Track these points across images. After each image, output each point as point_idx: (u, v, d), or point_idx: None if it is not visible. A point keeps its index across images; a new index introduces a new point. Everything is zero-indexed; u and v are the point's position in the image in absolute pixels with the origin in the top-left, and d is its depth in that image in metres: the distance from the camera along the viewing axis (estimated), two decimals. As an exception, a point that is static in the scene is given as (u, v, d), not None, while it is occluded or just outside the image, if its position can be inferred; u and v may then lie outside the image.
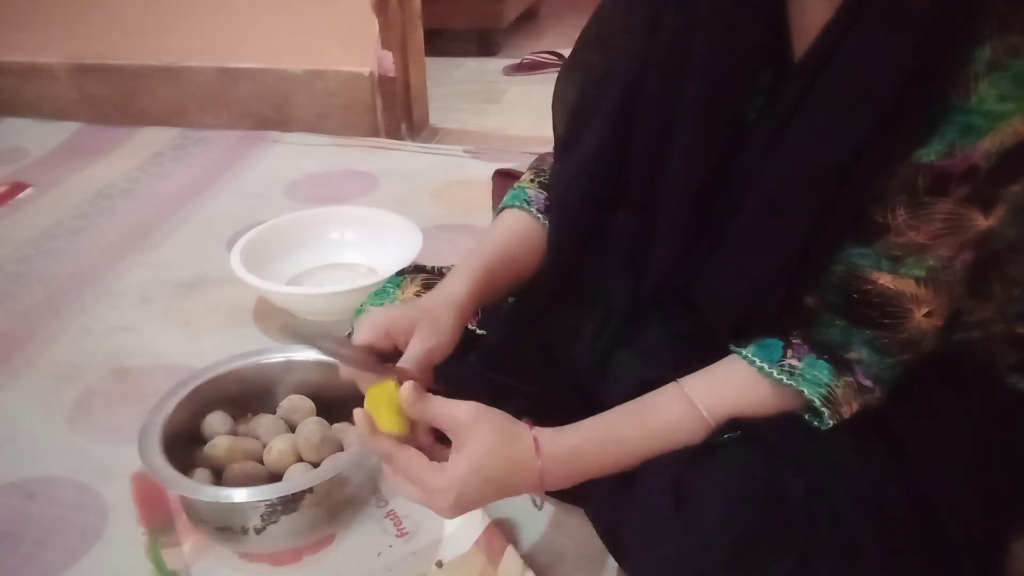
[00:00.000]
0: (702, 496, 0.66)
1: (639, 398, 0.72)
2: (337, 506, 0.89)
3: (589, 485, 0.72)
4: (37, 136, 2.07)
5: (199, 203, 1.72)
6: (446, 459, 0.67)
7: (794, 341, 0.68)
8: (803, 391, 0.66)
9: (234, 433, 0.96)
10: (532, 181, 0.90)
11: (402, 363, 0.72)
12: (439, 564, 0.87)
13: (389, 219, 1.40)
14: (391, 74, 1.94)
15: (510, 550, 0.87)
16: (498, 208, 0.90)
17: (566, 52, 2.97)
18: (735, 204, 0.69)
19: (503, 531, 0.89)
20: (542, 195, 0.87)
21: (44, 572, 0.90)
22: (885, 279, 0.64)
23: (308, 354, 1.01)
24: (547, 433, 0.69)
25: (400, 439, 0.69)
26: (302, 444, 0.92)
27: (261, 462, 0.93)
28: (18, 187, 1.81)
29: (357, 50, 1.93)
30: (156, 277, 1.45)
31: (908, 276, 0.63)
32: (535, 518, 0.92)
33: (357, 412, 0.70)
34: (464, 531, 0.90)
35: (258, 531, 0.85)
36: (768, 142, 0.67)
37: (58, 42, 2.11)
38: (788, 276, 0.67)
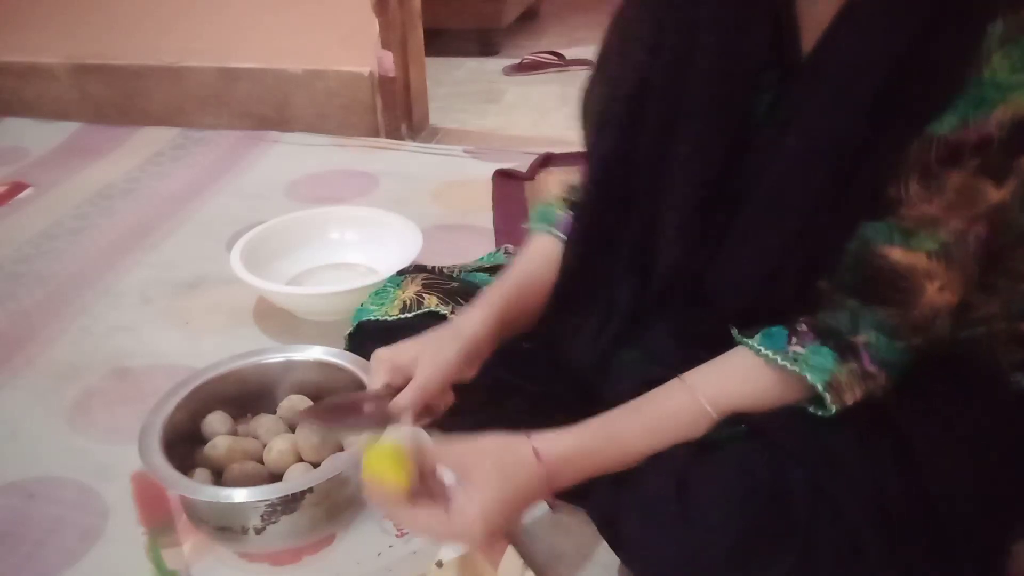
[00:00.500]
0: (704, 492, 0.66)
1: (643, 395, 0.72)
2: (337, 506, 0.89)
3: (590, 480, 0.72)
4: (37, 136, 2.08)
5: (199, 203, 1.72)
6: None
7: (799, 329, 0.68)
8: (806, 376, 0.66)
9: (234, 433, 0.96)
10: (562, 199, 0.91)
11: (397, 402, 0.75)
12: (439, 564, 0.87)
13: (389, 219, 1.40)
14: (391, 74, 1.94)
15: (510, 550, 0.87)
16: (530, 224, 0.91)
17: (566, 52, 3.00)
18: (743, 199, 0.69)
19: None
20: (569, 215, 0.88)
21: (44, 572, 0.90)
22: (897, 253, 0.64)
23: (308, 354, 1.01)
24: (547, 439, 0.70)
25: (410, 492, 0.69)
26: (302, 444, 0.92)
27: (261, 462, 0.93)
28: (18, 187, 1.81)
29: (357, 50, 1.93)
30: (156, 277, 1.45)
31: (920, 250, 0.63)
32: (535, 518, 0.92)
33: (364, 478, 0.71)
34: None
35: (258, 531, 0.85)
36: (775, 137, 0.67)
37: (58, 42, 2.11)
38: (799, 262, 0.68)
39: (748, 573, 0.65)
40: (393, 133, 2.01)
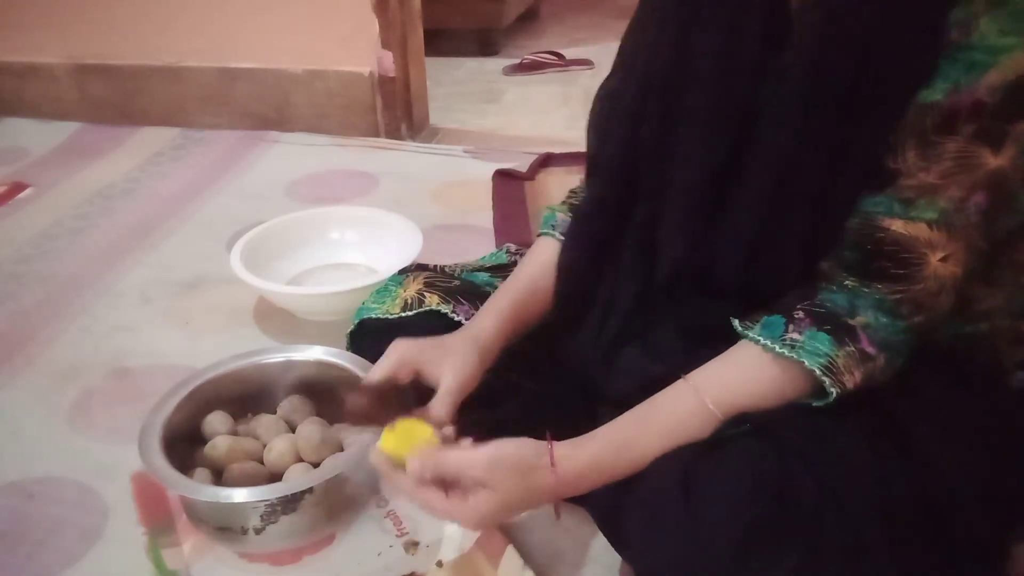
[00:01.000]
0: (709, 489, 0.66)
1: (648, 400, 0.72)
2: (337, 506, 0.89)
3: None
4: (37, 136, 2.08)
5: (199, 203, 1.72)
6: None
7: (796, 316, 0.69)
8: (804, 362, 0.67)
9: (234, 433, 0.96)
10: (564, 203, 0.93)
11: (436, 404, 0.77)
12: (439, 564, 0.87)
13: (389, 219, 1.40)
14: (391, 74, 1.94)
15: (510, 550, 0.87)
16: (538, 230, 0.93)
17: (566, 52, 3.00)
18: (745, 184, 0.70)
19: (503, 531, 0.89)
20: (569, 217, 0.89)
21: (44, 572, 0.90)
22: (898, 224, 0.64)
23: (308, 354, 1.01)
24: (565, 449, 0.70)
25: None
26: (302, 444, 0.92)
27: (261, 462, 0.93)
28: (18, 187, 1.81)
29: (357, 50, 1.93)
30: (156, 277, 1.45)
31: (920, 220, 0.64)
32: (535, 518, 0.92)
33: (374, 452, 0.75)
34: (464, 531, 0.90)
35: (258, 531, 0.85)
36: (775, 121, 0.68)
37: (58, 42, 2.11)
38: (800, 241, 0.69)
39: (752, 570, 0.65)
40: (393, 133, 2.01)
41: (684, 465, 0.68)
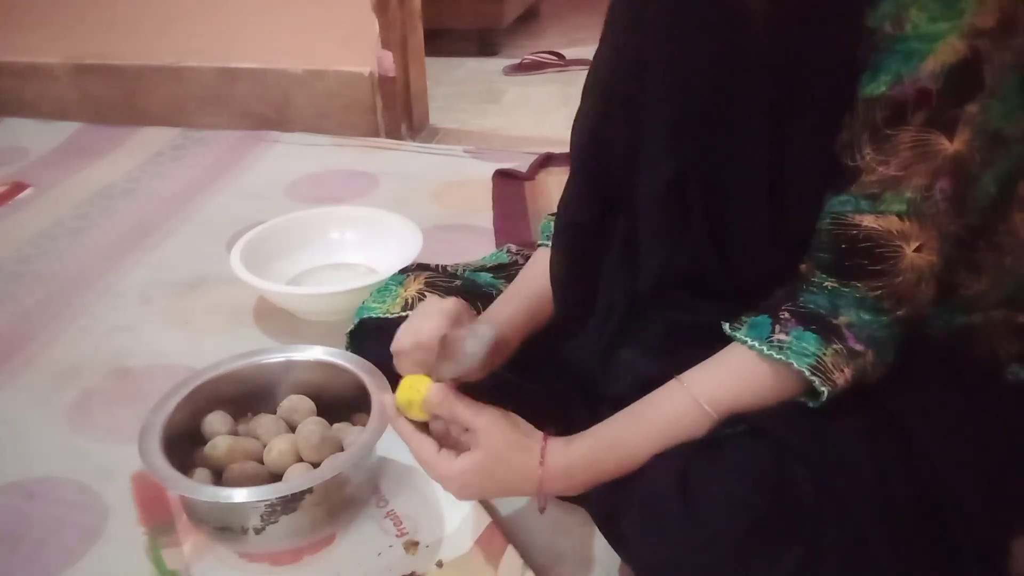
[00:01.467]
0: (708, 488, 0.66)
1: (641, 399, 0.72)
2: (337, 506, 0.89)
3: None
4: (37, 136, 2.07)
5: (199, 203, 1.72)
6: (468, 446, 0.72)
7: (782, 317, 0.69)
8: (792, 363, 0.67)
9: (234, 433, 0.96)
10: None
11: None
12: (439, 564, 0.87)
13: (389, 219, 1.40)
14: (391, 74, 1.94)
15: (510, 550, 0.87)
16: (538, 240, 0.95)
17: (566, 52, 2.99)
18: (710, 189, 0.71)
19: (503, 531, 0.89)
20: None
21: (44, 572, 0.90)
22: (868, 220, 0.65)
23: (308, 354, 1.01)
24: (558, 444, 0.71)
25: (421, 426, 0.75)
26: (302, 444, 0.92)
27: (261, 462, 0.93)
28: (18, 187, 1.81)
29: (357, 50, 1.93)
30: (156, 277, 1.45)
31: (890, 212, 0.64)
32: (535, 518, 0.92)
33: (387, 396, 0.78)
34: (464, 531, 0.90)
35: (258, 531, 0.85)
36: (727, 124, 0.69)
37: (58, 42, 2.11)
38: (771, 242, 0.70)
39: (752, 570, 0.65)
40: (393, 133, 2.01)
41: (682, 465, 0.68)
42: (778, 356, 0.67)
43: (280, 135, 2.03)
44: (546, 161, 1.81)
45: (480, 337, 0.72)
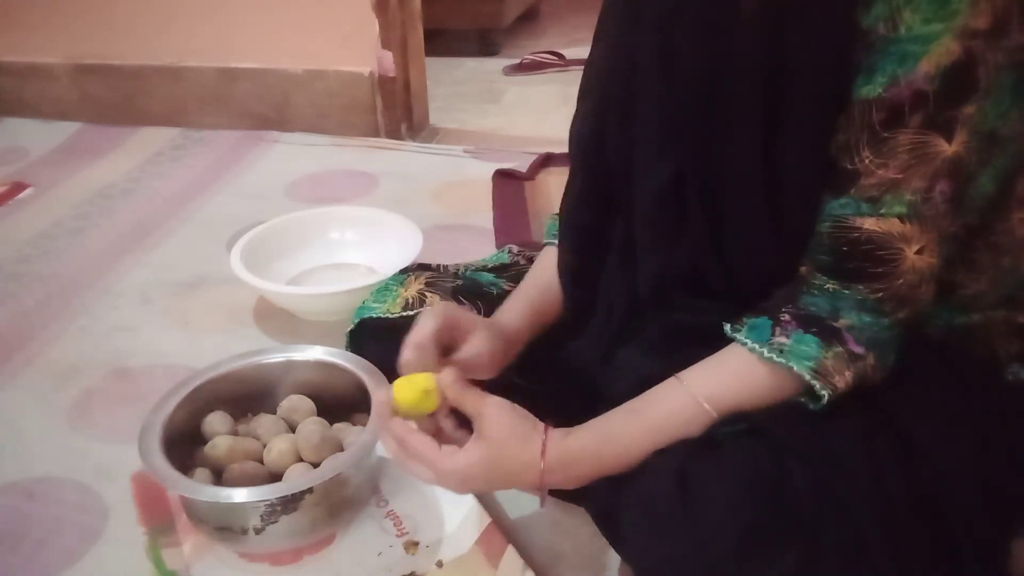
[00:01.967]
0: (707, 488, 0.66)
1: (640, 395, 0.72)
2: (337, 506, 0.89)
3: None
4: (37, 136, 2.08)
5: (199, 203, 1.72)
6: (463, 443, 0.72)
7: (782, 319, 0.69)
8: (792, 367, 0.67)
9: (234, 433, 0.96)
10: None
11: (458, 357, 0.79)
12: (439, 564, 0.87)
13: (389, 219, 1.40)
14: (391, 74, 1.94)
15: (510, 550, 0.87)
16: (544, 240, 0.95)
17: (566, 52, 2.99)
18: (705, 191, 0.71)
19: (503, 531, 0.89)
20: None
21: (44, 572, 0.90)
22: (869, 223, 0.65)
23: (308, 354, 1.01)
24: (557, 435, 0.71)
25: (419, 425, 0.75)
26: (302, 444, 0.92)
27: (261, 462, 0.93)
28: (18, 187, 1.81)
29: (357, 50, 1.93)
30: (156, 277, 1.45)
31: (891, 215, 0.64)
32: (535, 518, 0.92)
33: (380, 396, 0.78)
34: (464, 531, 0.90)
35: (258, 531, 0.85)
36: (721, 124, 0.69)
37: (58, 42, 2.11)
38: (769, 243, 0.70)
39: (751, 570, 0.64)
40: (393, 133, 2.01)
41: (681, 464, 0.68)
42: (778, 359, 0.67)
43: (280, 135, 2.03)
44: (546, 161, 1.81)
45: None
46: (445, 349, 0.80)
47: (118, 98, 2.12)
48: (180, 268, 1.48)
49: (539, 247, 0.96)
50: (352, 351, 0.99)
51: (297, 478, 0.88)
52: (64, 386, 1.18)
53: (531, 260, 1.00)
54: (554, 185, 1.71)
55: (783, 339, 0.68)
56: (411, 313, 0.94)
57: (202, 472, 0.90)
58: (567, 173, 0.86)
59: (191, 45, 2.04)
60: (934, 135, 0.62)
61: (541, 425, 0.72)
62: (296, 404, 0.99)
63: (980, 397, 0.72)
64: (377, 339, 0.93)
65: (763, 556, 0.64)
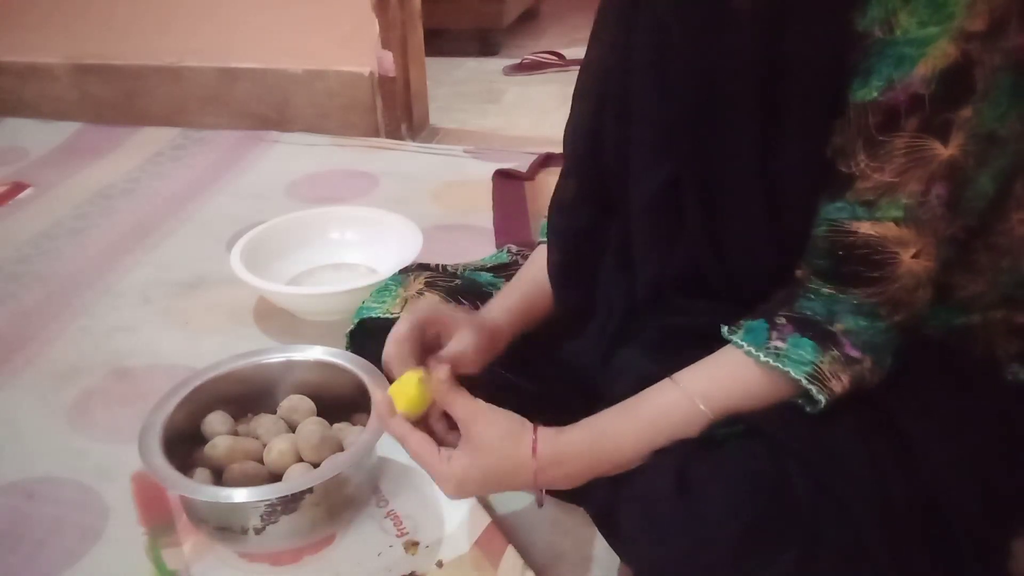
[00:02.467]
0: (706, 488, 0.66)
1: (635, 395, 0.72)
2: (337, 506, 0.89)
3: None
4: (37, 136, 2.08)
5: (199, 203, 1.72)
6: (455, 444, 0.73)
7: (778, 322, 0.69)
8: (789, 371, 0.67)
9: (234, 433, 0.96)
10: None
11: (444, 353, 0.80)
12: (439, 564, 0.87)
13: (389, 219, 1.40)
14: (391, 74, 1.94)
15: (510, 550, 0.87)
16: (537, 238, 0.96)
17: (566, 52, 2.99)
18: (701, 194, 0.71)
19: (503, 531, 0.89)
20: None
21: (44, 572, 0.90)
22: (865, 227, 0.65)
23: (308, 354, 1.01)
24: (548, 434, 0.71)
25: (414, 422, 0.76)
26: (302, 444, 0.92)
27: (261, 462, 0.93)
28: (18, 187, 1.81)
29: (357, 50, 1.93)
30: (156, 277, 1.45)
31: (886, 219, 0.64)
32: (535, 518, 0.92)
33: (379, 394, 0.77)
34: (464, 531, 0.90)
35: (258, 531, 0.85)
36: (716, 126, 0.69)
37: (58, 42, 2.11)
38: (765, 245, 0.70)
39: (750, 570, 0.64)
40: (393, 133, 2.01)
41: (680, 464, 0.68)
42: (775, 364, 0.67)
43: (280, 135, 2.03)
44: (546, 161, 1.81)
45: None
46: (430, 346, 0.81)
47: (118, 98, 2.12)
48: (180, 268, 1.48)
49: (538, 247, 0.96)
50: (352, 351, 0.99)
51: (297, 478, 0.88)
52: (64, 386, 1.18)
53: (530, 260, 1.00)
54: (554, 185, 1.71)
55: (779, 343, 0.67)
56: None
57: (202, 472, 0.90)
58: (566, 173, 0.87)
59: (191, 45, 2.04)
60: (930, 138, 0.61)
61: (530, 424, 0.72)
62: (296, 404, 0.99)
63: (979, 397, 0.72)
64: (377, 339, 0.93)
65: (762, 556, 0.64)
